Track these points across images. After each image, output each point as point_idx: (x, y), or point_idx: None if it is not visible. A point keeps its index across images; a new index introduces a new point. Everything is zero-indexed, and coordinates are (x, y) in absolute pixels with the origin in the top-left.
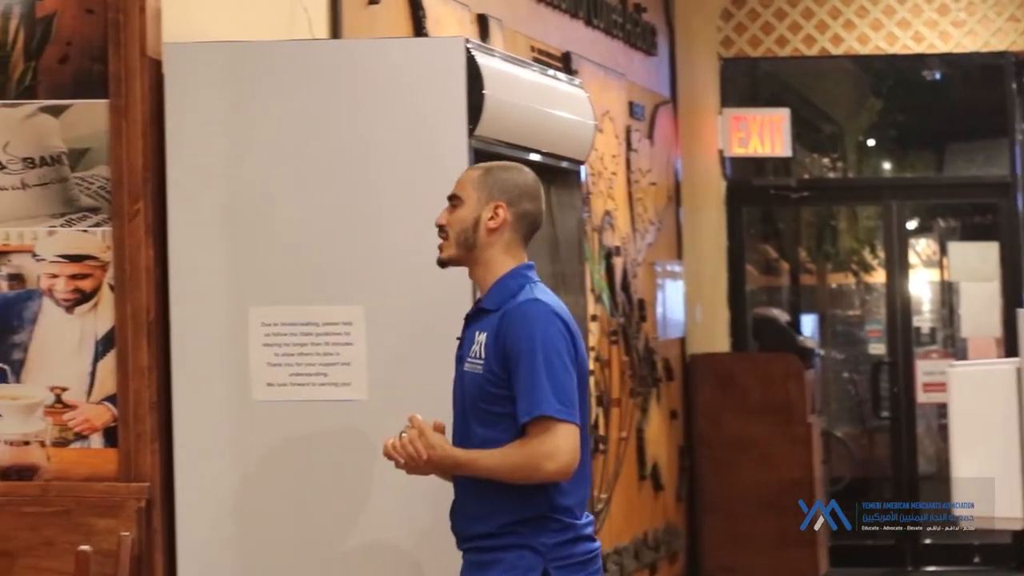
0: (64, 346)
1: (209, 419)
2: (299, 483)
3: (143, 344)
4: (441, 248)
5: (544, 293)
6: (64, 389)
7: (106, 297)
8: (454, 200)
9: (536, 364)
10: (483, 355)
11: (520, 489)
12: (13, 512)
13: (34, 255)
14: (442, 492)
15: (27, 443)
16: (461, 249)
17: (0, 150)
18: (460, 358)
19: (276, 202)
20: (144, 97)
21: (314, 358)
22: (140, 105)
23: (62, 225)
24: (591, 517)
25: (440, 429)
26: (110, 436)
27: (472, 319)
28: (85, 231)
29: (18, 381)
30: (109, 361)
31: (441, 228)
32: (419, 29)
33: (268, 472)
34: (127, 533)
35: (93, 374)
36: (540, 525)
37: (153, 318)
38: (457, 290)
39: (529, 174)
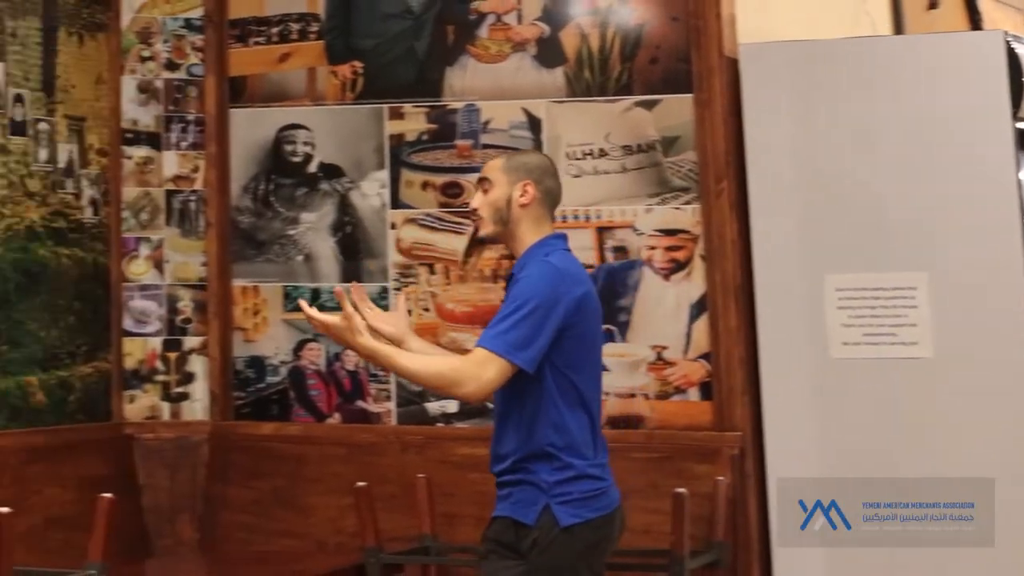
0: (662, 309)
1: (792, 374)
2: (876, 432)
3: (731, 307)
4: (479, 227)
5: (562, 260)
6: (664, 348)
7: (698, 266)
8: (484, 184)
9: (513, 305)
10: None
11: (524, 431)
12: (623, 457)
13: (635, 230)
14: (999, 438)
15: (633, 395)
16: (498, 226)
17: (603, 140)
18: None
19: (845, 181)
20: (723, 91)
21: (884, 319)
22: (720, 98)
23: (657, 203)
24: (602, 459)
25: (399, 323)
26: (705, 390)
27: (508, 284)
28: (677, 208)
29: (624, 340)
30: (702, 323)
31: (475, 211)
32: (975, 31)
33: (847, 422)
34: (722, 478)
35: (688, 334)
36: (542, 463)
37: (739, 284)
38: (1009, 257)
39: (544, 156)
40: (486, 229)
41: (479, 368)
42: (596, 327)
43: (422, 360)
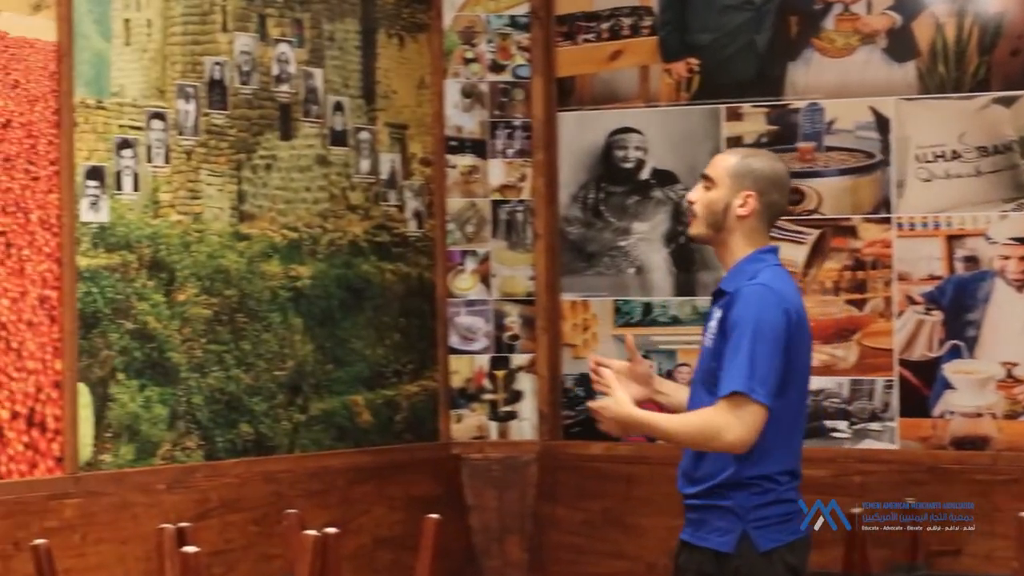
0: (1014, 323)
1: None
2: None
3: None
4: (690, 224)
5: (775, 279)
6: (1014, 364)
7: None
8: (707, 181)
9: (743, 343)
10: (716, 331)
11: (724, 457)
12: (965, 479)
13: (987, 238)
14: None
15: (979, 415)
16: (709, 229)
17: (956, 140)
18: (703, 332)
19: None
20: None
21: None
22: None
23: (1013, 209)
24: (796, 481)
25: (642, 379)
26: None
27: (715, 298)
28: None
29: (971, 356)
30: None
31: (690, 204)
32: None
33: None
34: None
35: None
36: (740, 490)
37: None
38: None
39: (780, 165)
40: (695, 229)
41: (732, 415)
42: (805, 348)
43: (678, 420)
